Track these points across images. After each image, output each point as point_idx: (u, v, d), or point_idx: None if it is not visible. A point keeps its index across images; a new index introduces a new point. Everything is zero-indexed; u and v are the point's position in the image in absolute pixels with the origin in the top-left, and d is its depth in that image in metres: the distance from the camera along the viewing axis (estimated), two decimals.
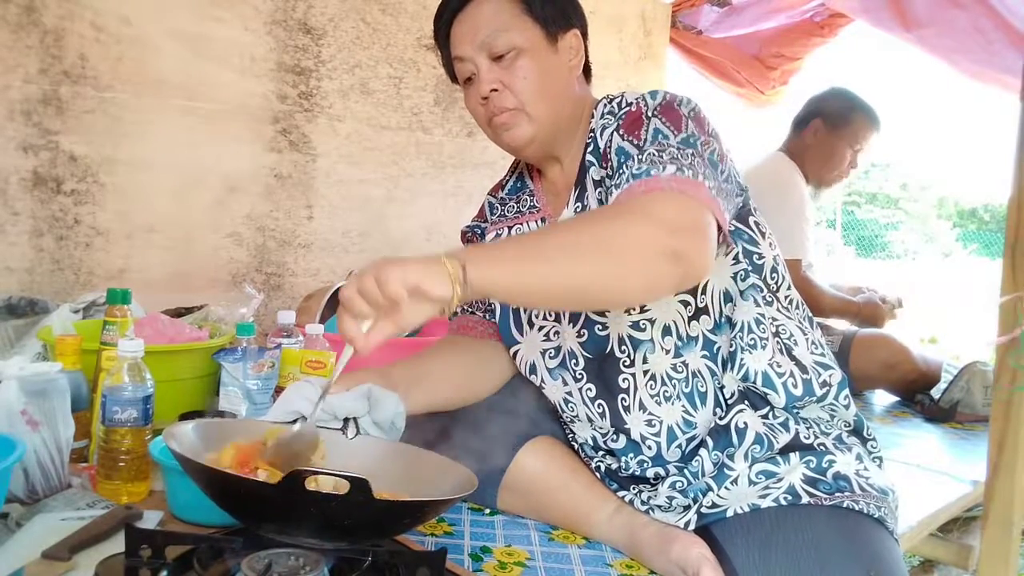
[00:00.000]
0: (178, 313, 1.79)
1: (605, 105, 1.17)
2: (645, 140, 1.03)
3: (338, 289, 1.90)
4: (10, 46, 1.86)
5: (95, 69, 1.98)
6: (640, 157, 1.01)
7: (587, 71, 1.24)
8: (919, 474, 1.78)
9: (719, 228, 0.96)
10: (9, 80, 1.86)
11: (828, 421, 1.13)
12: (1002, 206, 1.73)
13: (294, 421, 0.99)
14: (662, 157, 0.98)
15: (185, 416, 1.21)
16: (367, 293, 0.80)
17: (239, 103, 2.24)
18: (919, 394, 2.35)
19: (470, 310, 1.33)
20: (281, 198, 2.36)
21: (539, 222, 1.25)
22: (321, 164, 2.43)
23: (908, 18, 2.60)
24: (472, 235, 1.35)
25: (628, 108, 1.10)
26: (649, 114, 1.06)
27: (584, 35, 1.21)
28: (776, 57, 3.45)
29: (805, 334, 1.16)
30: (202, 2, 2.14)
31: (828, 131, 2.51)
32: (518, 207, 1.29)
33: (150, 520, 1.03)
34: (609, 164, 1.09)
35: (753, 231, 1.15)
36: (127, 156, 2.05)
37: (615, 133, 1.08)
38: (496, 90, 1.13)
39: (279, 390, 1.39)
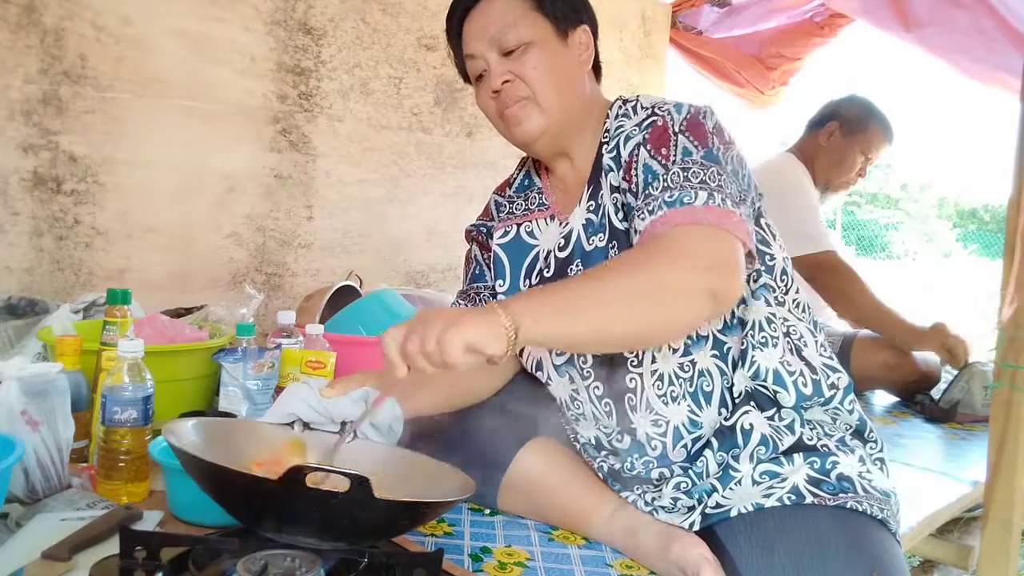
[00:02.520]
0: (178, 313, 1.79)
1: (620, 107, 1.18)
2: (673, 160, 1.04)
3: (338, 289, 1.91)
4: (10, 46, 1.86)
5: (95, 69, 1.98)
6: (667, 179, 1.02)
7: (597, 70, 1.24)
8: (919, 474, 1.78)
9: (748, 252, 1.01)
10: (9, 80, 1.86)
11: (831, 424, 1.13)
12: (1002, 206, 1.73)
13: (291, 424, 0.99)
14: (691, 180, 1.00)
15: (185, 416, 1.21)
16: (430, 356, 0.81)
17: (239, 103, 2.24)
18: (919, 395, 2.34)
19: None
20: (281, 198, 2.36)
21: (548, 220, 1.25)
22: (321, 164, 2.43)
23: (908, 18, 2.59)
24: (477, 233, 1.34)
25: (653, 120, 1.09)
26: (676, 129, 1.06)
27: (594, 32, 1.21)
28: (776, 57, 3.45)
29: (814, 336, 1.16)
30: (202, 2, 2.14)
31: (843, 135, 2.50)
32: (527, 205, 1.29)
33: (150, 520, 1.03)
34: (633, 177, 1.08)
35: (764, 232, 1.16)
36: (127, 156, 2.05)
37: (642, 148, 1.08)
38: (508, 81, 1.14)
39: (279, 390, 1.39)
